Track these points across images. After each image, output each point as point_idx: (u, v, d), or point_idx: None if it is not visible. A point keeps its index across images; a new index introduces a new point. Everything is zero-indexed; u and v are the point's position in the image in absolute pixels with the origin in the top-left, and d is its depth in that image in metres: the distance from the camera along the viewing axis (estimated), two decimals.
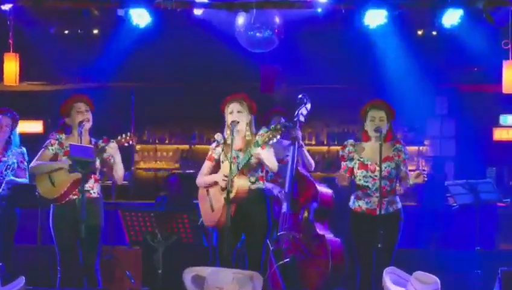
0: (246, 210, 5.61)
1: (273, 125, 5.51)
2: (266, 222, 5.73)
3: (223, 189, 5.58)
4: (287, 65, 9.60)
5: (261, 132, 5.51)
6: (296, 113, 6.67)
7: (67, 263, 5.79)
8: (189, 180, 6.90)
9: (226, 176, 5.55)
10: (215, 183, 5.69)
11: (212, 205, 5.73)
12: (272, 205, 6.43)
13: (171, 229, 5.19)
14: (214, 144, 5.84)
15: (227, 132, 5.74)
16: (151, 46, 9.59)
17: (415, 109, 10.06)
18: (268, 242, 5.96)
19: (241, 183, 5.58)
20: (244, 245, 5.86)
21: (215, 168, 5.81)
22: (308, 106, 6.67)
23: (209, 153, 5.86)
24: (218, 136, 5.79)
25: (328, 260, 6.14)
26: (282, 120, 6.72)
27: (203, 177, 5.83)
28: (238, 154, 5.62)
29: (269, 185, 6.29)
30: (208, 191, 5.80)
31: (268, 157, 5.60)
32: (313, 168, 6.87)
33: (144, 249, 7.42)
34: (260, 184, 5.73)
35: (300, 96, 6.72)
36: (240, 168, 5.55)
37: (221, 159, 5.77)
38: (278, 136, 5.46)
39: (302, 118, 6.64)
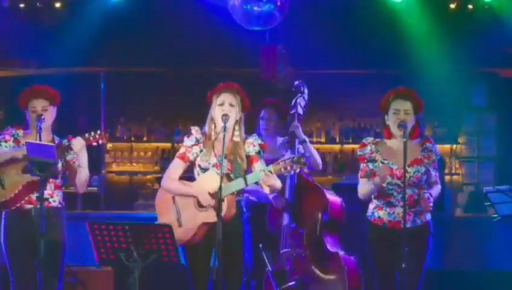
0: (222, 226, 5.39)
1: (296, 156, 5.28)
2: (243, 235, 5.62)
3: (204, 206, 5.47)
4: (292, 46, 9.58)
5: (282, 159, 5.33)
6: (292, 104, 6.64)
7: (23, 287, 5.76)
8: None
9: (211, 194, 5.40)
10: (193, 196, 5.54)
11: (179, 219, 5.55)
12: (266, 216, 6.44)
13: (149, 245, 5.17)
14: (189, 141, 5.62)
15: (210, 127, 5.61)
16: (126, 23, 9.57)
17: (447, 99, 10.06)
18: (267, 262, 5.94)
19: (232, 206, 5.47)
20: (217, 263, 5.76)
21: (186, 171, 5.70)
22: (306, 95, 6.66)
23: (182, 150, 5.64)
24: (197, 132, 5.63)
25: (344, 283, 6.13)
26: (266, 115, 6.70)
27: (175, 183, 5.61)
28: (220, 161, 5.41)
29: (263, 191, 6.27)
30: (174, 198, 5.62)
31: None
32: (320, 168, 6.81)
33: (116, 270, 7.41)
34: (240, 196, 5.64)
35: (296, 82, 6.70)
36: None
37: (197, 164, 5.60)
38: (298, 170, 5.46)
39: (300, 110, 6.62)
